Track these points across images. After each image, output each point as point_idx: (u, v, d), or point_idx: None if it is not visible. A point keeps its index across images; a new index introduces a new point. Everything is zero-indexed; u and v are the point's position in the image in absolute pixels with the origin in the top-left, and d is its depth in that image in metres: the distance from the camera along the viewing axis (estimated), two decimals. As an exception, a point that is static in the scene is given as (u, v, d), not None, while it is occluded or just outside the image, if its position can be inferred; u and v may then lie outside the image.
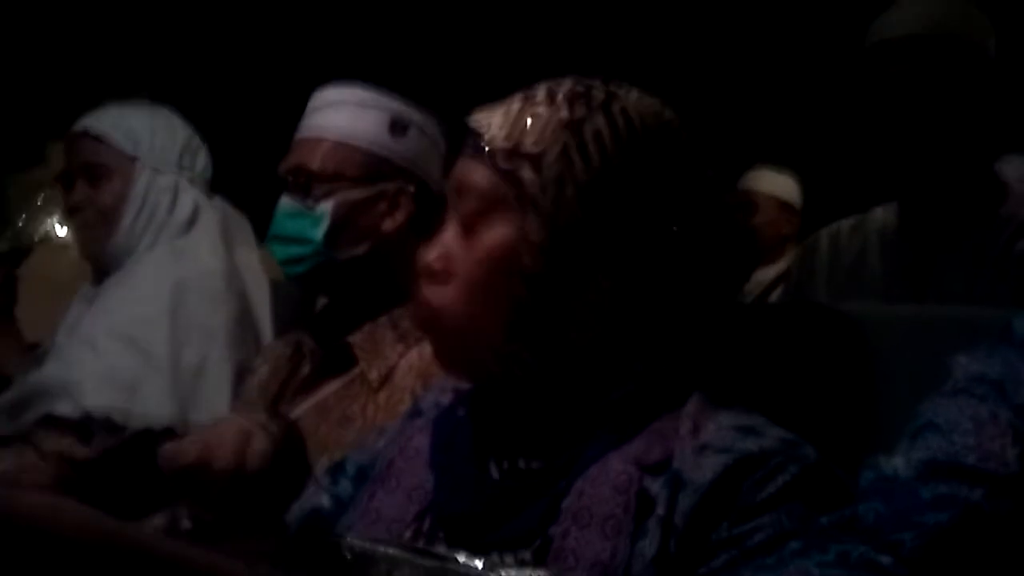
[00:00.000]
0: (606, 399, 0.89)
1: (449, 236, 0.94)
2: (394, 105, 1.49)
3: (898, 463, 0.78)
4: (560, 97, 0.92)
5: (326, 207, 1.45)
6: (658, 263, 0.91)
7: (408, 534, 0.92)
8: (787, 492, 0.80)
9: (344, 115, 1.49)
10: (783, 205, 3.22)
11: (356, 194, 1.46)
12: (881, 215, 1.70)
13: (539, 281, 0.89)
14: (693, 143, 0.96)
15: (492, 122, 0.93)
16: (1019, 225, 1.54)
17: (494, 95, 0.97)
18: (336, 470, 1.07)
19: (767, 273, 3.12)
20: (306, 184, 1.47)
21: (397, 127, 1.48)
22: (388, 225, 1.47)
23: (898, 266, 1.62)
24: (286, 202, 1.48)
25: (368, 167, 1.47)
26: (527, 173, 0.90)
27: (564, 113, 0.91)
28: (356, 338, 1.47)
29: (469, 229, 0.92)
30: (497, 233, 0.90)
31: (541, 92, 0.94)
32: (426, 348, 1.45)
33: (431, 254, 0.93)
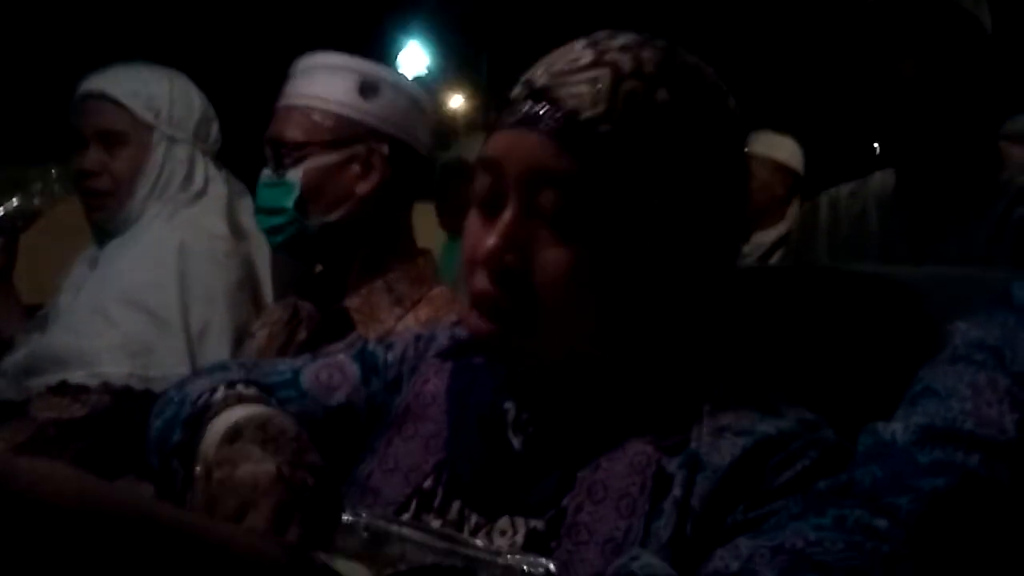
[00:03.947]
0: (630, 378, 0.87)
1: (516, 224, 0.82)
2: (364, 67, 1.48)
3: (896, 428, 0.78)
4: (650, 68, 0.82)
5: (296, 175, 1.46)
6: (718, 255, 0.87)
7: (428, 484, 0.91)
8: (806, 477, 0.79)
9: (314, 80, 1.49)
10: (777, 167, 3.21)
11: (327, 159, 1.46)
12: (880, 180, 1.70)
13: (640, 291, 0.83)
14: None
15: (577, 93, 0.81)
16: (1018, 191, 1.53)
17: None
18: (369, 368, 1.01)
19: (767, 236, 3.12)
20: (279, 154, 1.47)
21: (367, 88, 1.47)
22: (362, 188, 1.46)
23: (897, 231, 1.62)
24: (265, 173, 1.50)
25: (338, 131, 1.46)
26: (638, 172, 0.79)
27: (663, 94, 0.81)
28: (352, 302, 1.47)
29: (555, 226, 0.81)
30: (597, 238, 0.80)
31: (625, 60, 0.82)
32: (422, 312, 1.46)
33: (497, 243, 0.81)
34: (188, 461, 0.89)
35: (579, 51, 0.84)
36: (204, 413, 0.90)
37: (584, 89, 0.81)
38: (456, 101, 8.79)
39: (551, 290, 0.81)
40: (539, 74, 0.84)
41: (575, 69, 0.82)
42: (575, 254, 0.81)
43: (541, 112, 0.81)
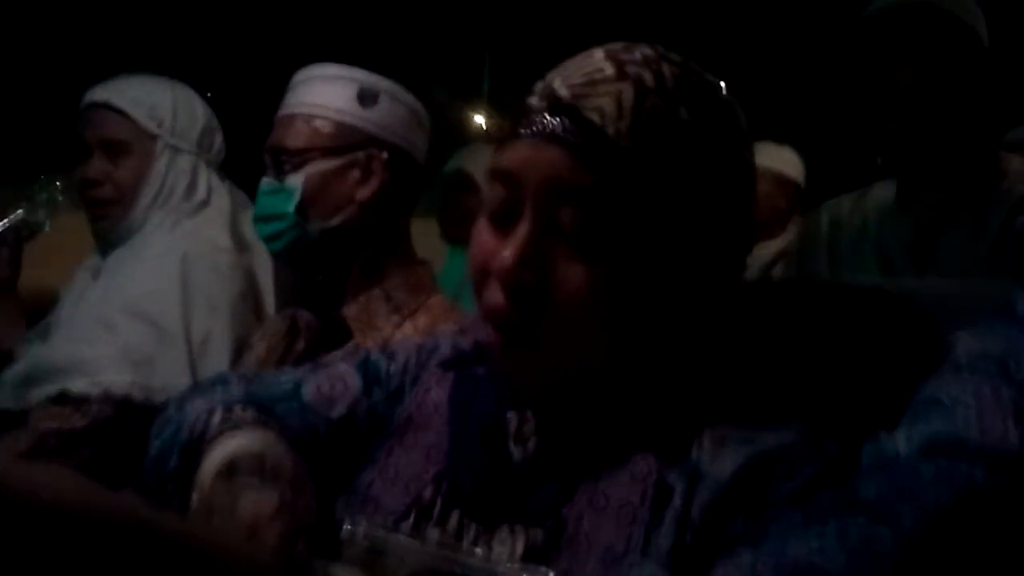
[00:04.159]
0: (635, 391, 0.86)
1: (533, 239, 0.80)
2: (362, 76, 1.50)
3: (900, 440, 0.78)
4: (671, 84, 0.80)
5: (297, 180, 1.47)
6: (727, 271, 0.86)
7: (427, 494, 0.90)
8: (807, 489, 0.78)
9: (313, 90, 1.50)
10: (779, 179, 3.21)
11: (327, 165, 1.47)
12: (881, 190, 1.70)
13: (654, 309, 0.82)
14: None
15: (599, 107, 0.79)
16: (1019, 200, 1.54)
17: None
18: (372, 379, 1.01)
19: (768, 248, 3.11)
20: (280, 161, 1.48)
21: (366, 96, 1.48)
22: (362, 193, 1.47)
23: (897, 241, 1.62)
24: (264, 181, 1.51)
25: (337, 137, 1.47)
26: (659, 190, 0.78)
27: (684, 112, 0.80)
28: (350, 311, 1.48)
29: (573, 243, 0.79)
30: (616, 256, 0.79)
31: (647, 75, 0.80)
32: (420, 320, 1.46)
33: (513, 258, 0.79)
34: (184, 487, 0.89)
35: (598, 62, 0.82)
36: (201, 439, 0.90)
37: (607, 103, 0.79)
38: (480, 119, 8.74)
39: (568, 308, 0.80)
40: (557, 85, 0.82)
41: (596, 82, 0.80)
42: (594, 272, 0.79)
43: (562, 126, 0.79)
